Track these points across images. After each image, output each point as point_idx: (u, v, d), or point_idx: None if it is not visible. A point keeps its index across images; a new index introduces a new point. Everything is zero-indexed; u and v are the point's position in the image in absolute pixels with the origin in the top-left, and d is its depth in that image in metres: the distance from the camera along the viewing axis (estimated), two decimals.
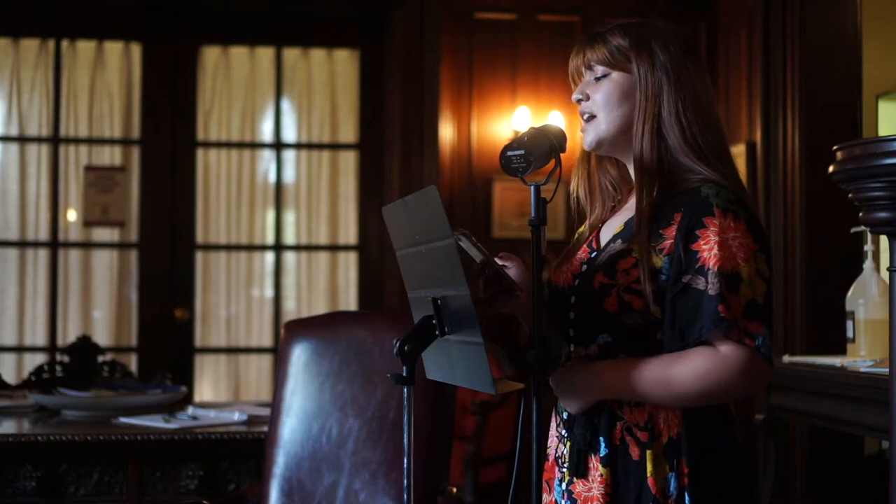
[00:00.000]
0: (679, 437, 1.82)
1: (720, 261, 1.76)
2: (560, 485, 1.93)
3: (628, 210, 1.95)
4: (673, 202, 1.85)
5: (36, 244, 6.04)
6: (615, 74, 1.92)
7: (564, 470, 1.92)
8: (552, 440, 1.99)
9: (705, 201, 1.81)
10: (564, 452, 1.92)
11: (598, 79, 1.94)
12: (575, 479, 1.88)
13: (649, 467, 1.81)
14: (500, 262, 1.96)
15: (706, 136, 1.89)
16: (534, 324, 1.79)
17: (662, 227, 1.83)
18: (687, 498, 1.80)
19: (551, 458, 1.98)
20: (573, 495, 1.88)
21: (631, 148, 1.91)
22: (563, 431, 1.94)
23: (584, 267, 1.94)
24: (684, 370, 1.78)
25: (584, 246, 1.99)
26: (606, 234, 1.97)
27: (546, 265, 1.90)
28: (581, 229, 2.08)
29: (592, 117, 1.94)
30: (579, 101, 1.97)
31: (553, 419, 2.00)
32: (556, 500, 1.94)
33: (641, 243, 1.83)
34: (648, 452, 1.82)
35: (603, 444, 1.85)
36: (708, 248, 1.78)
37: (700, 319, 1.77)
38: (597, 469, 1.85)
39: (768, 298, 1.80)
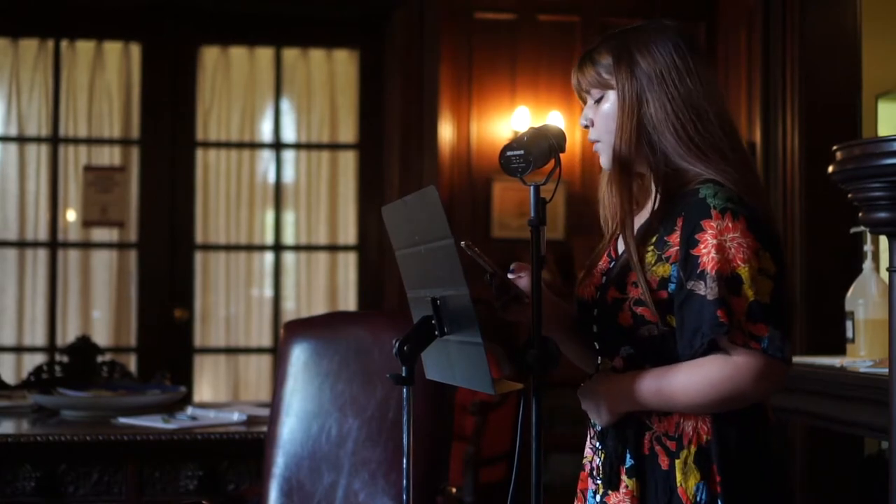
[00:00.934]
0: (709, 444, 1.80)
1: (717, 264, 1.75)
2: (594, 497, 1.92)
3: (642, 216, 1.94)
4: (675, 207, 1.84)
5: (35, 244, 6.04)
6: (610, 94, 1.92)
7: (599, 482, 1.91)
8: (587, 451, 1.98)
9: (703, 203, 1.79)
10: (598, 464, 1.92)
11: (596, 102, 1.94)
12: (609, 492, 1.87)
13: (679, 476, 1.80)
14: (513, 273, 1.95)
15: (703, 132, 1.86)
16: (534, 324, 1.79)
17: (667, 234, 1.83)
18: None
19: (586, 469, 1.97)
20: None
21: (645, 159, 1.90)
22: (597, 443, 1.93)
23: (604, 278, 1.94)
24: (697, 379, 1.77)
25: (605, 256, 1.98)
26: (622, 243, 1.96)
27: (545, 265, 1.89)
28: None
29: (598, 141, 1.95)
30: (586, 127, 1.97)
31: (588, 430, 1.99)
32: None
33: (634, 263, 1.83)
34: (678, 462, 1.80)
35: (629, 456, 1.84)
36: (706, 252, 1.76)
37: (702, 326, 1.75)
38: (623, 481, 1.85)
39: (776, 296, 1.77)
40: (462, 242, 1.78)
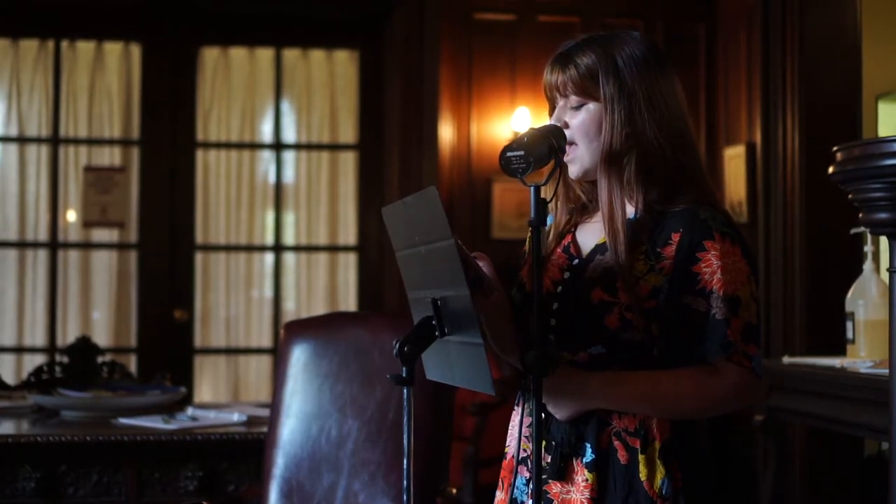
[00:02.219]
0: (672, 441, 1.85)
1: (724, 285, 1.81)
2: (527, 484, 1.92)
3: (594, 222, 1.96)
4: (669, 222, 1.86)
5: (35, 245, 6.04)
6: (591, 105, 1.92)
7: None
8: (514, 440, 1.98)
9: (704, 224, 1.84)
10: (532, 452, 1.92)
11: (574, 108, 1.94)
12: (550, 481, 1.88)
13: (643, 470, 1.83)
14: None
15: (686, 151, 1.90)
16: (534, 324, 1.79)
17: (660, 246, 1.85)
18: (682, 500, 1.83)
19: (510, 457, 1.97)
20: (548, 496, 1.88)
21: (630, 173, 1.91)
22: (535, 432, 1.93)
23: (567, 273, 1.94)
24: (684, 389, 1.82)
25: (559, 251, 1.98)
26: (587, 241, 1.96)
27: (545, 265, 1.89)
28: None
29: (573, 143, 1.94)
30: None
31: (519, 416, 1.97)
32: (518, 500, 1.93)
33: (623, 272, 1.84)
34: (642, 457, 1.83)
35: (589, 450, 1.86)
36: (710, 272, 1.82)
37: (705, 341, 1.81)
38: (581, 474, 1.86)
39: (759, 318, 1.86)
40: None
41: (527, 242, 2.06)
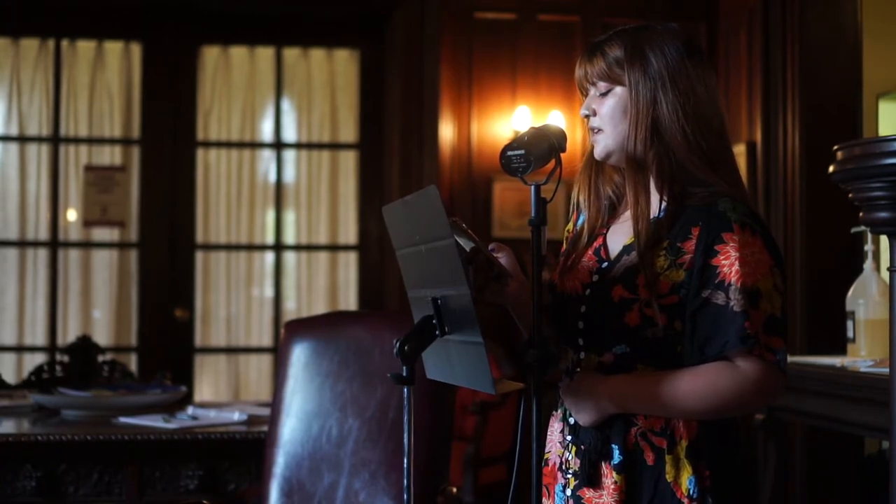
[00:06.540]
0: (699, 440, 1.83)
1: (742, 277, 1.77)
2: (563, 491, 1.92)
3: (625, 216, 1.95)
4: (689, 216, 1.85)
5: (36, 244, 6.04)
6: (618, 89, 1.91)
7: (569, 476, 1.91)
8: (554, 445, 1.98)
9: (723, 216, 1.81)
10: (569, 458, 1.92)
11: (602, 94, 1.93)
12: (584, 487, 1.87)
13: (669, 470, 1.82)
14: (493, 252, 1.95)
15: (711, 140, 1.88)
16: (534, 324, 1.79)
17: (680, 240, 1.84)
18: (710, 500, 1.81)
19: (551, 464, 1.97)
20: (582, 501, 1.87)
21: (654, 160, 1.89)
22: (569, 437, 1.93)
23: (596, 276, 1.93)
24: (701, 387, 1.79)
25: (590, 253, 1.97)
26: (616, 243, 1.95)
27: (545, 264, 1.89)
28: (569, 229, 2.07)
29: (600, 130, 1.94)
30: (587, 116, 1.96)
31: (555, 424, 1.98)
32: None
33: (646, 268, 1.83)
34: (668, 457, 1.82)
35: (617, 452, 1.85)
36: (728, 264, 1.79)
37: (723, 335, 1.78)
38: (610, 476, 1.85)
39: (784, 311, 1.82)
40: (449, 219, 1.78)
41: (564, 243, 2.07)
